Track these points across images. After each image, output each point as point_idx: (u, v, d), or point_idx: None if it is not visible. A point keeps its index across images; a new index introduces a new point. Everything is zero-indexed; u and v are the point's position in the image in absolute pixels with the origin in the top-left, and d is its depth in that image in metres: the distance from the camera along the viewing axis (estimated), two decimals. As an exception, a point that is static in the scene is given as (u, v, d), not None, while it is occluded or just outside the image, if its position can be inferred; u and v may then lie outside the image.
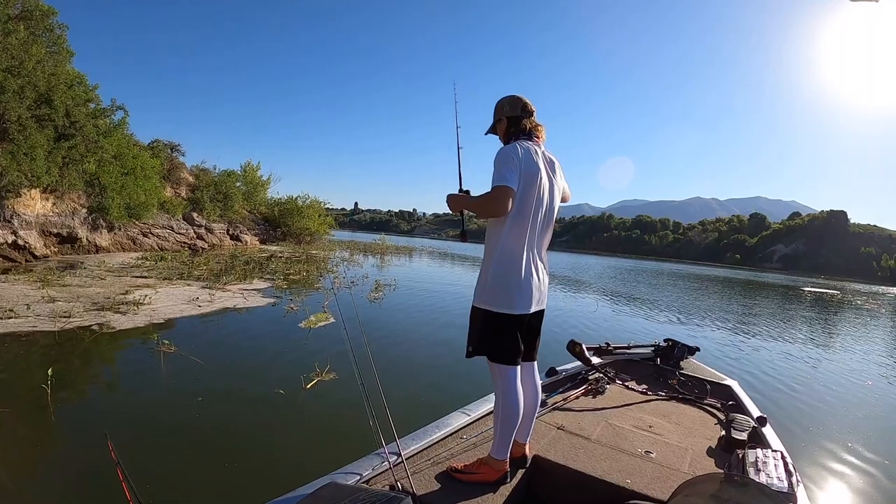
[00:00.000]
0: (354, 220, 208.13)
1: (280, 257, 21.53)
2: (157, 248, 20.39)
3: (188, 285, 11.74)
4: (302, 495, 1.90)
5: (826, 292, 40.84)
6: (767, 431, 3.30)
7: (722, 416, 3.71)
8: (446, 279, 20.75)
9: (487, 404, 3.12)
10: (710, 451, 3.11)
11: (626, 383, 4.22)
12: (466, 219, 2.75)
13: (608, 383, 4.12)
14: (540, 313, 2.52)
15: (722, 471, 2.66)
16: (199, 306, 9.32)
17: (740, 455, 2.75)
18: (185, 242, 22.65)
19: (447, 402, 4.31)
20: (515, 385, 2.38)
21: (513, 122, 2.48)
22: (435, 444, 2.70)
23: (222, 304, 9.73)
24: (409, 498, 1.79)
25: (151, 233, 20.78)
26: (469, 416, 3.02)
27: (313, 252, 26.22)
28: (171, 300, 9.66)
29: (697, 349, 5.12)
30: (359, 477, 2.22)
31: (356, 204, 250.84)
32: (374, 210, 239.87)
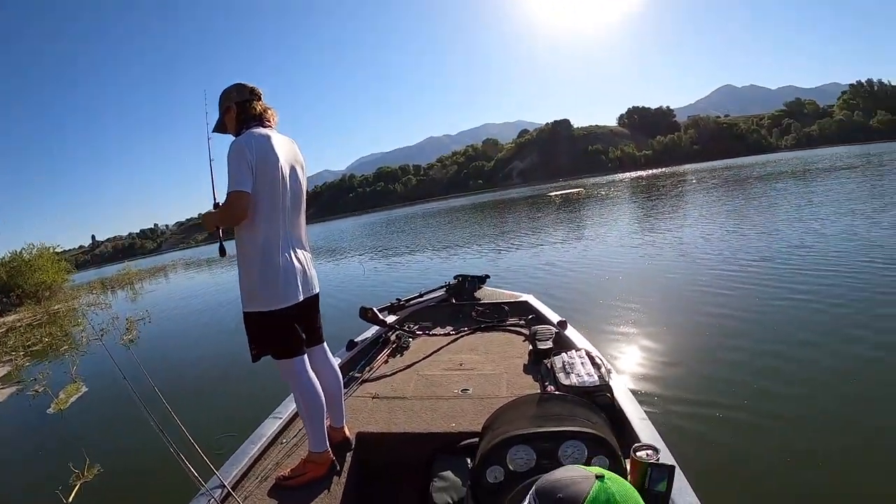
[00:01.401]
0: (96, 254, 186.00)
1: (18, 328, 17.91)
2: None
3: None
4: None
5: (571, 192, 46.65)
6: (570, 333, 3.49)
7: (525, 332, 3.81)
8: (206, 287, 19.81)
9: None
10: (525, 368, 3.20)
11: (428, 331, 4.19)
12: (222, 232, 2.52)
13: (410, 337, 4.05)
14: (313, 298, 2.46)
15: (537, 393, 2.54)
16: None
17: (548, 364, 2.85)
18: None
19: (256, 411, 3.73)
20: (306, 375, 2.33)
21: (242, 107, 2.33)
22: (257, 459, 2.51)
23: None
24: None
25: None
26: (281, 418, 2.83)
27: (56, 308, 22.96)
28: None
29: (487, 276, 5.17)
30: None
31: (93, 237, 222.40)
32: (115, 237, 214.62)
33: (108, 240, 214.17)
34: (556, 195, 45.29)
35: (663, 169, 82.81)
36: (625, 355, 5.25)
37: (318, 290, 2.48)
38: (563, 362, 2.78)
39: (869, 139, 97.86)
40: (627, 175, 78.34)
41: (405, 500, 2.48)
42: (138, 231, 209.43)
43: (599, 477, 0.98)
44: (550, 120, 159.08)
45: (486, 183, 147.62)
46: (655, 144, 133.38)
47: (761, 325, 5.72)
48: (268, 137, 2.23)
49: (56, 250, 31.11)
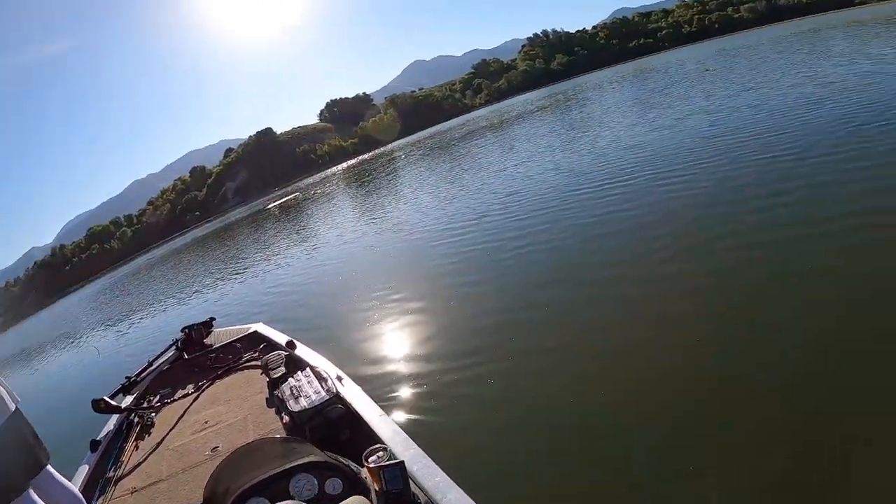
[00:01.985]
0: None
1: None
2: None
3: None
4: None
5: (288, 199, 44.69)
6: (300, 352, 3.50)
7: (260, 363, 3.72)
8: None
9: None
10: (267, 402, 3.13)
11: (169, 399, 3.84)
12: None
13: (153, 412, 3.66)
14: (12, 421, 2.17)
15: (283, 425, 2.70)
16: None
17: (279, 395, 2.81)
18: None
19: None
20: None
21: None
22: None
23: None
24: None
25: None
26: None
27: None
28: None
29: (213, 319, 4.98)
30: None
31: None
32: None
33: None
34: (273, 206, 43.65)
35: (374, 152, 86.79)
36: (362, 356, 5.25)
37: (13, 408, 2.21)
38: (291, 387, 2.78)
39: (553, 81, 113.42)
40: (340, 167, 79.36)
41: None
42: None
43: None
44: (253, 132, 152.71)
45: (204, 213, 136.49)
46: (360, 131, 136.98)
47: (492, 285, 5.96)
48: None
49: None
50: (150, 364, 4.54)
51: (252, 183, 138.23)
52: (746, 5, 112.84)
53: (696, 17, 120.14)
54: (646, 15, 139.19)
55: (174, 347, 4.69)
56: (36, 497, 2.10)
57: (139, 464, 3.11)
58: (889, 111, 8.01)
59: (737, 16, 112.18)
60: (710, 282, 4.47)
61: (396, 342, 5.37)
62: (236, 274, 14.63)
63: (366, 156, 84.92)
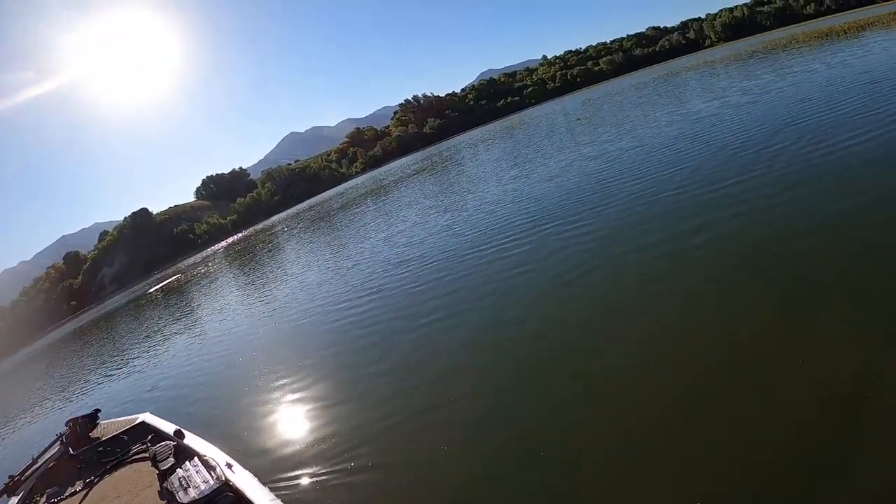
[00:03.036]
0: None
1: None
2: None
3: None
4: None
5: (171, 281, 42.60)
6: (189, 440, 3.41)
7: (148, 455, 3.62)
8: None
9: None
10: (159, 495, 2.98)
11: (58, 498, 3.73)
12: None
13: None
14: None
15: None
16: None
17: (168, 489, 2.74)
18: None
19: None
20: None
21: None
22: None
23: None
24: None
25: None
26: None
27: None
28: None
29: (98, 410, 4.94)
30: None
31: None
32: None
33: None
34: (154, 290, 41.63)
35: (253, 227, 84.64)
36: (253, 441, 5.13)
37: None
38: (180, 478, 2.71)
39: (427, 144, 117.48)
40: (220, 245, 76.63)
41: None
42: None
43: None
44: (128, 213, 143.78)
45: (81, 302, 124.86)
46: (238, 207, 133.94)
47: (387, 362, 5.98)
48: None
49: None
50: (34, 462, 4.47)
51: (131, 267, 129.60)
52: (605, 58, 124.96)
53: (559, 73, 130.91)
54: (511, 75, 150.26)
55: (59, 442, 4.62)
56: None
57: None
58: (757, 133, 9.97)
59: (596, 69, 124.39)
60: (633, 326, 4.78)
61: (287, 426, 5.32)
62: (121, 366, 14.16)
63: (246, 231, 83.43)
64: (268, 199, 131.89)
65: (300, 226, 35.45)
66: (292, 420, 5.47)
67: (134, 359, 13.97)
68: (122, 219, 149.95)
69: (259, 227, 78.31)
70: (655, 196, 8.28)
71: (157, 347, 14.10)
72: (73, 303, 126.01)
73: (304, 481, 4.03)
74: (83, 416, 4.83)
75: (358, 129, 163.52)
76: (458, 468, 3.65)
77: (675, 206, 7.53)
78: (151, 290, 44.42)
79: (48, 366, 24.89)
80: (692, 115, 15.31)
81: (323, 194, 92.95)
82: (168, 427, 4.01)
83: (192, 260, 72.43)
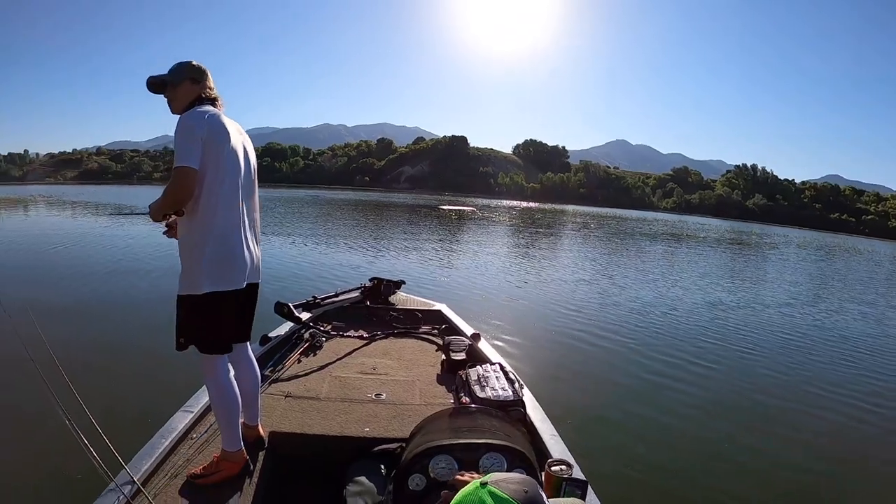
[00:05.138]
0: None
1: None
2: None
3: None
4: None
5: (462, 209, 45.47)
6: (483, 346, 3.61)
7: (439, 341, 3.87)
8: (90, 239, 15.15)
9: (206, 395, 2.64)
10: (438, 378, 3.25)
11: (343, 332, 4.10)
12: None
13: (324, 337, 3.94)
14: (254, 288, 2.36)
15: (451, 403, 2.83)
16: None
17: (463, 376, 2.91)
18: None
19: (163, 400, 3.51)
20: (227, 374, 2.25)
21: (196, 85, 2.21)
22: (167, 454, 2.34)
23: None
24: None
25: None
26: (192, 412, 2.62)
27: None
28: None
29: (403, 282, 5.15)
30: None
31: None
32: None
33: None
34: (448, 209, 44.82)
35: (550, 205, 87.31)
36: (533, 371, 5.39)
37: (259, 280, 2.39)
38: (479, 375, 2.79)
39: (741, 217, 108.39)
40: (516, 203, 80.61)
41: (318, 503, 2.47)
42: (6, 154, 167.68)
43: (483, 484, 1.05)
44: (448, 134, 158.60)
45: (372, 181, 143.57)
46: (544, 180, 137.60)
47: (650, 350, 6.74)
48: (219, 116, 2.15)
49: None
50: (336, 295, 4.76)
51: (428, 178, 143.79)
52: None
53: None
54: (858, 192, 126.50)
55: (360, 291, 4.88)
56: (227, 360, 2.27)
57: (299, 375, 3.28)
58: None
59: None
60: None
61: (560, 370, 5.79)
62: (423, 253, 15.36)
63: (543, 205, 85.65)
64: (574, 187, 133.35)
65: (599, 230, 34.44)
66: (575, 369, 5.94)
67: (435, 256, 14.98)
68: (441, 136, 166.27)
69: (555, 207, 79.86)
70: None
71: (455, 256, 15.32)
72: (367, 178, 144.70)
73: (580, 427, 4.29)
74: (388, 280, 5.01)
75: (685, 167, 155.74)
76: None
77: None
78: (444, 207, 47.94)
79: (359, 219, 28.25)
80: None
81: (624, 210, 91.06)
82: (464, 325, 4.10)
83: (485, 201, 77.57)
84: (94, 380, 4.78)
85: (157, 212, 2.13)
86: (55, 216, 23.89)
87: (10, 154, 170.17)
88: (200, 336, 2.18)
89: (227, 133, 2.11)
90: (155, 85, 2.25)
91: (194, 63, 2.25)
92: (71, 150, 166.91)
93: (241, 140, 2.22)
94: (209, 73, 2.27)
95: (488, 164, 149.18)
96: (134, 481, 2.02)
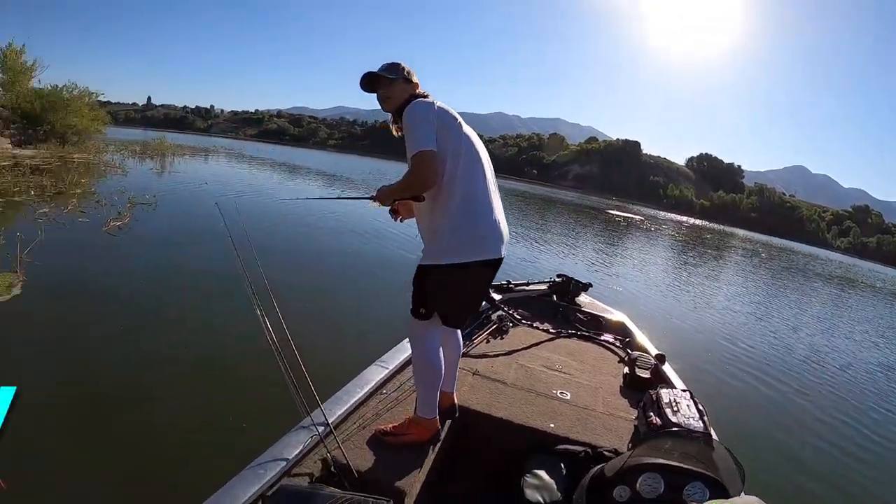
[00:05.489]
0: (147, 116, 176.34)
1: (25, 166, 15.94)
2: None
3: None
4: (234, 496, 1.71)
5: (632, 217, 45.08)
6: (667, 369, 3.40)
7: (622, 353, 3.81)
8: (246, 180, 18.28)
9: (402, 354, 2.94)
10: (621, 390, 3.18)
11: (529, 322, 4.15)
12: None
13: (511, 322, 4.02)
14: (499, 263, 2.23)
15: (635, 419, 2.70)
16: None
17: (653, 396, 2.71)
18: None
19: (359, 349, 3.89)
20: (438, 342, 2.25)
21: (410, 85, 2.23)
22: (359, 405, 2.46)
23: None
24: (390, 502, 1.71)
25: None
26: (387, 369, 2.78)
27: (76, 157, 20.93)
28: None
29: (590, 285, 5.09)
30: (286, 462, 1.95)
31: (149, 98, 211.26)
32: (169, 106, 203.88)
33: (162, 106, 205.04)
34: (616, 214, 44.55)
35: (720, 226, 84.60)
36: (717, 405, 5.06)
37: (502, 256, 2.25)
38: (670, 399, 2.67)
39: None
40: (685, 219, 75.97)
41: (493, 485, 2.53)
42: (193, 107, 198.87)
43: None
44: (622, 137, 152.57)
45: (539, 174, 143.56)
46: (715, 198, 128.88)
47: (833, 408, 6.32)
48: (439, 105, 2.15)
49: (99, 97, 28.84)
50: (527, 284, 4.90)
51: (595, 179, 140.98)
52: None
53: None
54: None
55: (548, 285, 4.95)
56: (439, 328, 2.28)
57: (487, 356, 3.37)
58: None
59: None
60: None
61: (744, 408, 5.60)
62: (606, 257, 15.54)
63: (710, 224, 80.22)
64: (746, 210, 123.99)
65: (769, 263, 31.87)
66: (761, 409, 5.85)
67: (616, 261, 15.04)
68: (615, 138, 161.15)
69: (726, 229, 74.91)
70: None
71: (637, 267, 14.87)
72: (535, 171, 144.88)
73: (762, 466, 4.21)
74: (576, 280, 5.00)
75: (867, 206, 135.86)
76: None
77: None
78: (612, 212, 48.00)
79: (539, 214, 28.97)
80: None
81: (792, 242, 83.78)
82: (647, 343, 4.03)
83: (650, 212, 74.32)
84: (302, 318, 5.13)
85: (388, 196, 2.21)
86: (282, 176, 27.66)
87: (197, 107, 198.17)
88: (443, 306, 2.22)
89: (455, 116, 2.15)
90: (371, 82, 2.27)
91: (402, 64, 2.27)
92: (253, 111, 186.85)
93: (464, 124, 2.22)
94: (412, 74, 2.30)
95: (659, 173, 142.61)
96: (327, 423, 2.13)
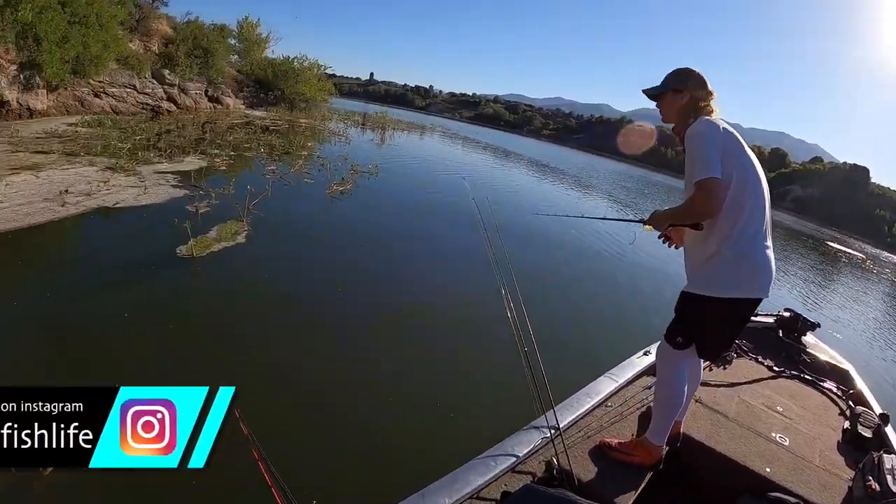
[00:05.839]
0: (368, 91, 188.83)
1: (257, 125, 18.33)
2: (111, 110, 16.54)
3: (91, 165, 8.70)
4: (463, 481, 1.85)
5: (854, 254, 38.32)
6: (890, 431, 3.12)
7: (843, 405, 3.57)
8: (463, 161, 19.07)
9: (631, 369, 3.01)
10: (838, 446, 2.99)
11: (751, 354, 4.00)
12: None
13: (734, 352, 3.86)
14: (759, 302, 2.14)
15: (850, 479, 2.57)
16: (64, 205, 6.48)
17: (874, 459, 2.56)
18: (147, 104, 18.57)
19: (590, 359, 4.01)
20: (685, 373, 2.22)
21: (697, 101, 2.12)
22: (586, 414, 2.51)
23: (100, 201, 6.92)
24: None
25: (105, 92, 16.58)
26: (616, 382, 2.83)
27: (302, 121, 23.27)
28: (33, 192, 6.73)
29: (818, 325, 4.73)
30: (515, 458, 2.07)
31: (372, 75, 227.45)
32: (390, 82, 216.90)
33: (383, 82, 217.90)
34: (836, 248, 38.74)
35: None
36: None
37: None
38: (892, 465, 2.46)
39: None
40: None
41: None
42: (413, 85, 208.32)
43: None
44: (850, 160, 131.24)
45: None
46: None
47: None
48: (724, 125, 2.04)
49: (327, 70, 32.46)
50: (756, 314, 4.45)
51: (816, 204, 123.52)
52: None
53: None
54: None
55: (774, 318, 4.69)
56: (690, 359, 2.27)
57: (709, 384, 3.29)
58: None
59: None
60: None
61: None
62: (831, 296, 14.51)
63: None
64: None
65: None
66: None
67: (842, 303, 13.69)
68: (842, 162, 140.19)
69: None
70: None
71: (865, 313, 13.68)
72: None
73: None
74: (804, 318, 4.68)
75: None
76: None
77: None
78: (832, 244, 41.66)
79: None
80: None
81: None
82: (872, 399, 3.76)
83: (872, 250, 63.04)
84: (543, 318, 5.05)
85: (663, 221, 2.15)
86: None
87: (416, 86, 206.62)
88: (699, 337, 2.17)
89: (740, 140, 2.03)
90: (654, 97, 2.23)
91: (694, 71, 2.15)
92: (471, 94, 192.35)
93: (748, 148, 2.08)
94: (707, 82, 2.13)
95: (886, 206, 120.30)
96: (557, 426, 2.17)
